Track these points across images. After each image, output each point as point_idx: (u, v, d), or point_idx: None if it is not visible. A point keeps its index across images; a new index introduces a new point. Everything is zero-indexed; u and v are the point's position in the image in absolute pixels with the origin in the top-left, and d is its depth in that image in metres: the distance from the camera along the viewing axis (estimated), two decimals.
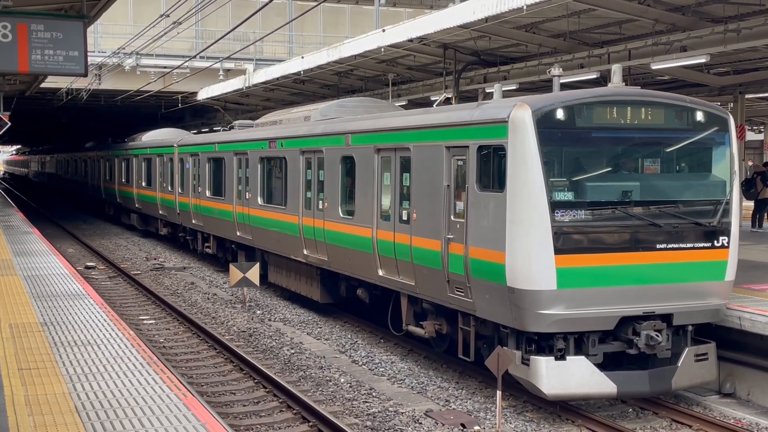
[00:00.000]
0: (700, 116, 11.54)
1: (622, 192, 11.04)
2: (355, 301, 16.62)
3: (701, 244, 11.32)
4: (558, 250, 10.54)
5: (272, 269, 19.87)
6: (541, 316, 10.61)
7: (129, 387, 8.27)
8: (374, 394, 12.33)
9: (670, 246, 11.12)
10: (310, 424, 10.86)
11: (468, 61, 22.03)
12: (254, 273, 18.48)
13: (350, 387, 12.69)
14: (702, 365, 11.49)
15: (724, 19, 15.92)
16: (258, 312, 18.48)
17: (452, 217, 12.02)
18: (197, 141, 26.33)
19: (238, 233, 21.38)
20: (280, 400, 11.85)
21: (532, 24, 18.52)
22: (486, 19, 17.27)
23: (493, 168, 11.19)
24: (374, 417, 11.24)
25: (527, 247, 10.60)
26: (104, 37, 38.29)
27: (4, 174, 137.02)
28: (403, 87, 26.78)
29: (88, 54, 13.51)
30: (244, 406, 11.79)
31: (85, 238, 33.15)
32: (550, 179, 10.63)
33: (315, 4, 32.35)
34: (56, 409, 7.55)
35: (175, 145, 28.01)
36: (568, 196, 10.77)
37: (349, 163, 15.41)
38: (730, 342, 12.19)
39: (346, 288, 16.50)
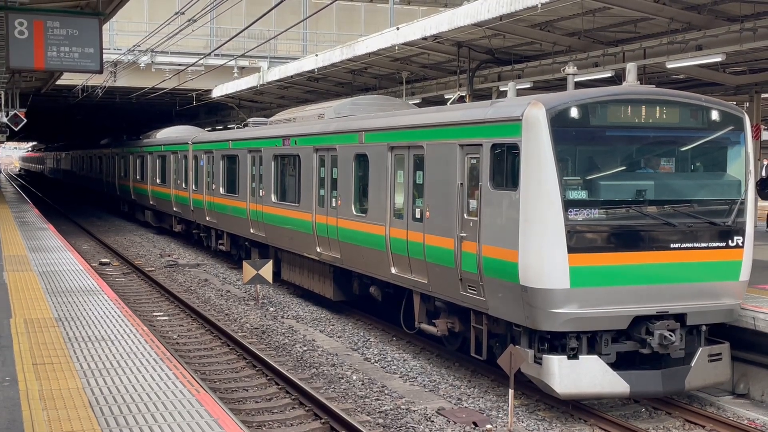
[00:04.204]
0: (715, 115, 11.48)
1: (636, 191, 10.99)
2: (367, 299, 16.63)
3: (715, 244, 11.26)
4: (571, 249, 10.52)
5: (285, 266, 19.91)
6: (554, 315, 10.59)
7: (142, 382, 8.30)
8: (386, 391, 12.34)
9: (684, 245, 11.07)
10: (322, 421, 10.88)
11: (482, 59, 21.99)
12: (267, 270, 18.53)
13: (362, 384, 12.71)
14: (716, 365, 11.43)
15: (741, 18, 15.82)
16: (271, 309, 18.53)
17: (465, 216, 12.01)
18: (211, 138, 26.41)
19: (251, 230, 21.43)
20: (293, 397, 11.87)
21: (546, 22, 18.48)
22: (500, 18, 17.26)
23: (506, 166, 11.17)
24: (386, 415, 11.25)
25: (540, 246, 10.58)
26: (119, 35, 38.43)
27: (20, 170, 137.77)
28: (417, 85, 26.76)
29: (104, 51, 13.58)
30: (257, 402, 11.83)
31: (100, 235, 33.31)
32: (564, 178, 10.60)
33: (329, 2, 32.32)
34: (70, 403, 7.59)
35: (190, 143, 28.10)
36: (582, 194, 10.74)
37: (362, 160, 15.42)
38: (744, 342, 12.14)
39: (358, 286, 16.52)
